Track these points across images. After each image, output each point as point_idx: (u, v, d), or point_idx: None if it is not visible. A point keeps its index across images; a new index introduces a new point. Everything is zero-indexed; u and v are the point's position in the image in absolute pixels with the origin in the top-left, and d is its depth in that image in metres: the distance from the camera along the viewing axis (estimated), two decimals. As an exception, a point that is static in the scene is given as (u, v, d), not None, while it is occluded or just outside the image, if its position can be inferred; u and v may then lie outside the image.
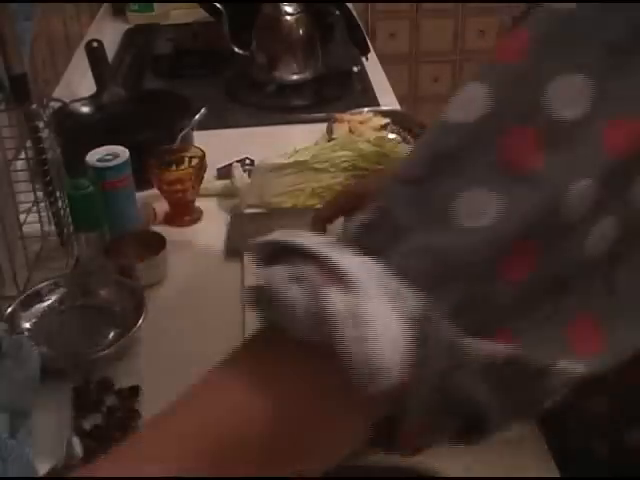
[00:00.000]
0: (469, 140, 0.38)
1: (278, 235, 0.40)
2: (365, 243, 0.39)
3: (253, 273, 0.41)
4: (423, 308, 0.37)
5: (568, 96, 0.37)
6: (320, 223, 0.86)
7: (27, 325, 0.97)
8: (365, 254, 0.39)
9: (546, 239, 0.37)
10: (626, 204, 0.38)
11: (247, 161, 1.31)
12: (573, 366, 0.38)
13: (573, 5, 0.39)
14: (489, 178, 0.38)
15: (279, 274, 0.38)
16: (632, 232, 0.38)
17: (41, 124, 1.04)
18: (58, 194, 1.07)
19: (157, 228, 1.15)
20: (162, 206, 1.20)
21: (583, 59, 0.38)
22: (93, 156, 1.09)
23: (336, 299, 0.36)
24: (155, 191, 1.20)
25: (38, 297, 1.00)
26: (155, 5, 2.09)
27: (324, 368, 0.38)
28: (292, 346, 0.38)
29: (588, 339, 0.38)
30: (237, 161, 1.29)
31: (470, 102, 0.39)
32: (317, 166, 1.18)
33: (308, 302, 0.37)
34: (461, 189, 0.38)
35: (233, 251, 1.12)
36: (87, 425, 0.83)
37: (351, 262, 0.38)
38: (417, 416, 0.39)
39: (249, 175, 1.23)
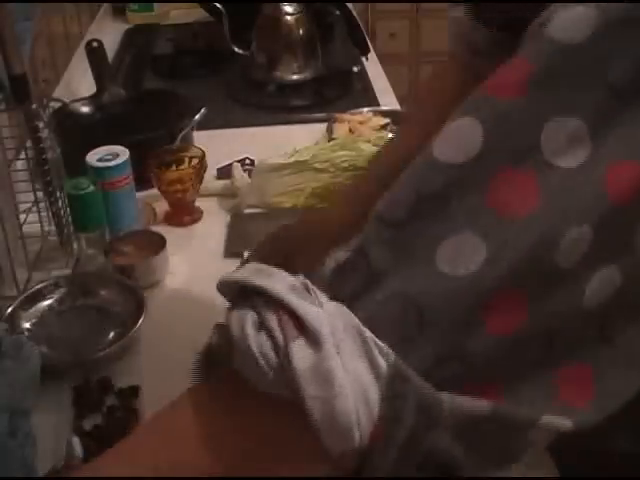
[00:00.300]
0: (457, 182, 0.36)
1: (246, 272, 0.39)
2: (339, 287, 0.37)
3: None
4: (395, 363, 0.35)
5: (565, 140, 0.35)
6: None
7: (27, 325, 0.97)
8: (338, 299, 0.37)
9: (534, 288, 0.35)
10: (631, 251, 0.35)
11: (247, 161, 1.31)
12: (559, 420, 0.36)
13: (581, 38, 0.36)
14: (475, 222, 0.35)
15: (243, 319, 0.37)
16: (637, 280, 0.36)
17: (41, 124, 1.04)
18: (58, 194, 1.07)
19: (157, 228, 1.15)
20: (162, 206, 1.20)
21: (584, 101, 0.36)
22: (93, 156, 1.09)
23: (300, 354, 0.35)
24: (155, 191, 1.20)
25: (38, 297, 1.00)
26: (155, 5, 2.09)
27: (285, 419, 0.37)
28: (254, 395, 0.37)
29: (577, 391, 0.36)
30: (237, 161, 1.29)
31: (460, 140, 0.37)
32: (317, 166, 1.17)
33: (271, 356, 0.35)
34: (445, 234, 0.36)
35: (233, 251, 1.12)
36: (87, 425, 0.83)
37: (319, 312, 0.36)
38: (384, 471, 0.37)
39: (249, 175, 1.23)
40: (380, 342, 0.35)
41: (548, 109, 0.36)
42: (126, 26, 2.06)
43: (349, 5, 1.66)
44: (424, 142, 0.38)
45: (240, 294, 0.39)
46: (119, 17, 2.13)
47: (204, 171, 1.20)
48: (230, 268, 1.19)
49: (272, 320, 0.36)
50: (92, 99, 1.41)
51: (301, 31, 1.60)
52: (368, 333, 0.35)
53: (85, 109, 1.40)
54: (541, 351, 0.36)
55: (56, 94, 1.52)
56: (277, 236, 0.87)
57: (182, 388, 0.77)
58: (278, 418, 0.37)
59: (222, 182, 1.27)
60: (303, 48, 1.61)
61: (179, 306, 1.02)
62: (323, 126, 1.41)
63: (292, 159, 1.19)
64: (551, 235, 0.35)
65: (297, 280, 0.38)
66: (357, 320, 0.36)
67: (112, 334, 0.96)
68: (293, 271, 0.39)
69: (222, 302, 1.04)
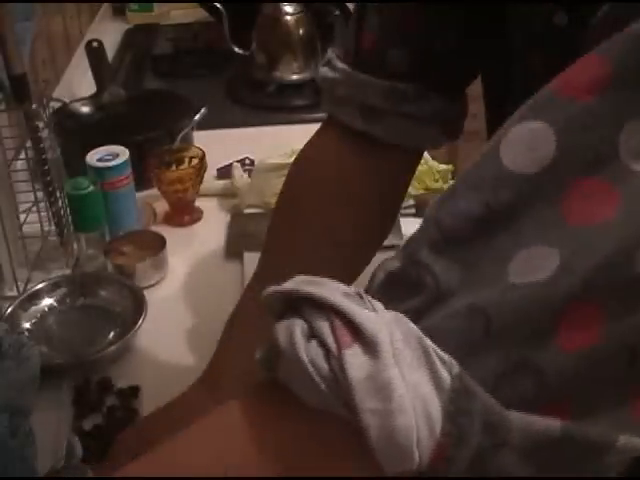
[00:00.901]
0: (530, 194, 0.34)
1: (294, 283, 0.36)
2: (394, 298, 0.35)
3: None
4: (460, 376, 0.32)
5: None
6: None
7: (27, 325, 0.97)
8: (395, 310, 0.34)
9: (613, 300, 0.32)
10: None
11: (247, 161, 1.31)
12: (638, 440, 0.33)
13: None
14: (549, 234, 0.33)
15: (292, 328, 0.34)
16: None
17: (41, 124, 1.04)
18: (58, 194, 1.07)
19: (157, 228, 1.15)
20: (162, 206, 1.20)
21: None
22: (93, 156, 1.09)
23: (356, 363, 0.32)
24: (155, 191, 1.20)
25: (38, 297, 1.00)
26: (155, 5, 2.09)
27: (338, 436, 0.34)
28: (303, 408, 0.34)
29: None
30: (237, 161, 1.29)
31: (532, 148, 0.34)
32: (317, 166, 1.17)
33: (324, 366, 0.33)
34: (517, 249, 0.33)
35: (233, 251, 1.12)
36: (87, 425, 0.83)
37: (376, 318, 0.33)
38: None
39: (249, 175, 1.23)
40: (442, 353, 0.33)
41: (627, 110, 0.33)
42: (126, 26, 2.06)
43: (349, 5, 1.66)
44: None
45: (288, 306, 0.36)
46: (119, 17, 2.12)
47: (204, 171, 1.20)
48: (230, 268, 1.20)
49: (324, 327, 0.33)
50: (92, 99, 1.41)
51: (301, 31, 1.60)
52: (430, 343, 0.33)
53: (85, 109, 1.40)
54: (620, 367, 0.33)
55: (56, 94, 1.52)
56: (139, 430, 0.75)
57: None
58: (329, 435, 0.35)
59: (222, 182, 1.27)
60: (303, 48, 1.61)
61: (179, 306, 1.02)
62: (323, 126, 1.41)
63: (292, 159, 1.19)
64: (630, 243, 0.32)
65: (350, 289, 0.35)
66: (417, 329, 0.33)
67: (112, 334, 0.96)
68: None
69: (222, 302, 1.04)
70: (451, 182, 1.18)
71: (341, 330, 0.33)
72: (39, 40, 1.51)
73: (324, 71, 0.71)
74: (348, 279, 0.74)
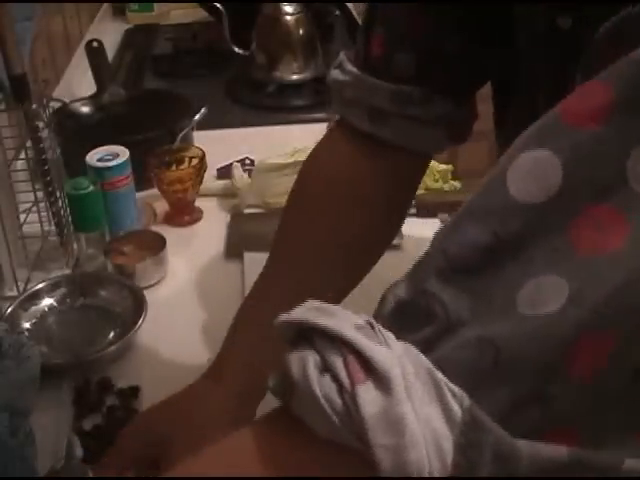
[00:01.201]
0: (538, 223, 0.34)
1: (306, 311, 0.36)
2: (404, 328, 0.35)
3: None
4: (470, 408, 0.32)
5: None
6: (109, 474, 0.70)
7: (27, 325, 0.97)
8: (405, 340, 0.34)
9: (622, 328, 0.32)
10: None
11: (247, 161, 1.31)
12: None
13: None
14: (558, 263, 0.33)
15: (305, 361, 0.34)
16: None
17: (41, 124, 1.04)
18: (58, 194, 1.07)
19: (157, 228, 1.15)
20: (162, 206, 1.20)
21: None
22: (93, 156, 1.09)
23: (369, 398, 0.32)
24: (155, 191, 1.20)
25: (38, 297, 1.00)
26: (155, 5, 2.09)
27: (348, 463, 0.34)
28: (314, 438, 0.35)
29: None
30: (237, 161, 1.29)
31: (539, 177, 0.34)
32: (317, 166, 1.17)
33: (337, 400, 0.33)
34: (526, 279, 0.33)
35: (233, 251, 1.12)
36: (87, 425, 0.83)
37: (388, 353, 0.33)
38: None
39: (249, 175, 1.23)
40: (453, 385, 0.33)
41: (633, 137, 0.33)
42: (126, 26, 2.06)
43: (349, 5, 1.67)
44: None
45: (300, 334, 0.36)
46: (119, 17, 2.13)
47: (204, 171, 1.20)
48: (230, 268, 1.19)
49: (337, 362, 0.34)
50: (92, 99, 1.41)
51: (301, 31, 1.60)
52: (440, 376, 0.33)
53: (85, 109, 1.40)
54: (625, 389, 0.33)
55: (56, 94, 1.52)
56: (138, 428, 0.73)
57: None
58: (340, 464, 0.35)
59: (222, 182, 1.27)
60: (303, 48, 1.61)
61: (179, 306, 1.02)
62: (323, 126, 1.41)
63: (292, 159, 1.19)
64: None
65: (361, 318, 0.36)
66: (428, 362, 0.34)
67: (112, 334, 0.96)
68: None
69: (222, 302, 1.04)
70: (451, 182, 1.18)
71: (354, 366, 0.33)
72: (39, 40, 1.51)
73: (335, 73, 0.72)
74: (354, 280, 0.75)
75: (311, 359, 0.34)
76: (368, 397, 0.32)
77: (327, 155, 0.76)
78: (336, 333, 0.34)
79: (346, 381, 0.33)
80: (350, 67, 0.70)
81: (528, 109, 0.61)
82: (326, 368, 0.34)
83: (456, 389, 0.33)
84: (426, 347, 0.34)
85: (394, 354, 0.33)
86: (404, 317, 0.36)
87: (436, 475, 0.32)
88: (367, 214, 0.73)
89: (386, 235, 0.78)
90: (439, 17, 0.65)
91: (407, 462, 0.32)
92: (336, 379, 0.33)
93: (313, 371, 0.34)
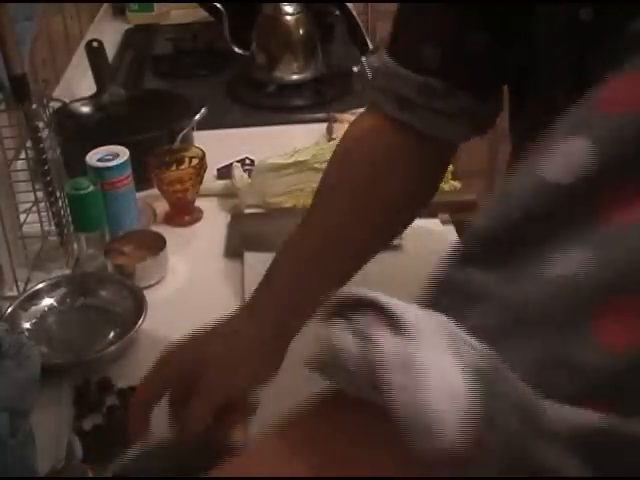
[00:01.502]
0: (566, 203, 0.34)
1: (345, 292, 0.37)
2: (431, 301, 0.35)
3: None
4: (490, 360, 0.32)
5: None
6: (142, 409, 0.70)
7: (27, 325, 0.97)
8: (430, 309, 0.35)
9: None
10: None
11: (247, 161, 1.31)
12: None
13: None
14: (585, 238, 0.33)
15: (334, 328, 0.36)
16: None
17: (41, 124, 1.04)
18: (58, 194, 1.08)
19: (157, 228, 1.16)
20: (162, 206, 1.20)
21: None
22: (93, 156, 1.09)
23: (385, 341, 0.33)
24: (155, 191, 1.20)
25: (38, 297, 1.00)
26: (155, 5, 2.09)
27: (375, 419, 0.34)
28: (348, 400, 0.35)
29: None
30: (237, 161, 1.29)
31: (569, 160, 0.35)
32: (317, 166, 1.17)
33: (357, 347, 0.34)
34: (553, 257, 0.33)
35: (233, 251, 1.12)
36: (87, 425, 0.83)
37: (408, 309, 0.34)
38: None
39: (249, 175, 1.23)
40: (473, 340, 0.33)
41: None
42: (126, 26, 2.06)
43: (349, 5, 1.66)
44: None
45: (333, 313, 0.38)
46: (119, 17, 2.13)
47: (204, 171, 1.20)
48: (230, 268, 1.19)
49: (361, 319, 0.35)
50: (92, 99, 1.41)
51: (301, 31, 1.60)
52: (459, 330, 0.33)
53: (85, 109, 1.40)
54: None
55: (56, 94, 1.52)
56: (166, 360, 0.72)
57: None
58: (369, 420, 0.36)
59: (222, 182, 1.27)
60: (303, 48, 1.61)
61: (179, 306, 1.02)
62: (323, 126, 1.41)
63: (292, 159, 1.19)
64: None
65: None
66: (447, 319, 0.34)
67: (112, 334, 0.96)
68: None
69: (222, 302, 1.04)
70: (451, 182, 1.18)
71: (371, 315, 0.35)
72: (39, 40, 1.51)
73: (371, 59, 0.75)
74: (385, 239, 0.83)
75: (338, 323, 0.36)
76: (383, 340, 0.33)
77: (361, 134, 0.78)
78: (354, 295, 0.36)
79: (368, 327, 0.34)
80: (384, 55, 0.73)
81: (544, 106, 0.63)
82: (352, 328, 0.35)
83: (475, 342, 0.33)
84: (446, 310, 0.35)
85: (415, 310, 0.35)
86: (429, 290, 0.37)
87: (451, 417, 0.32)
88: (401, 180, 0.76)
89: (407, 218, 0.81)
90: (462, 17, 0.68)
91: (418, 406, 0.32)
92: (354, 330, 0.35)
93: (340, 331, 0.35)
